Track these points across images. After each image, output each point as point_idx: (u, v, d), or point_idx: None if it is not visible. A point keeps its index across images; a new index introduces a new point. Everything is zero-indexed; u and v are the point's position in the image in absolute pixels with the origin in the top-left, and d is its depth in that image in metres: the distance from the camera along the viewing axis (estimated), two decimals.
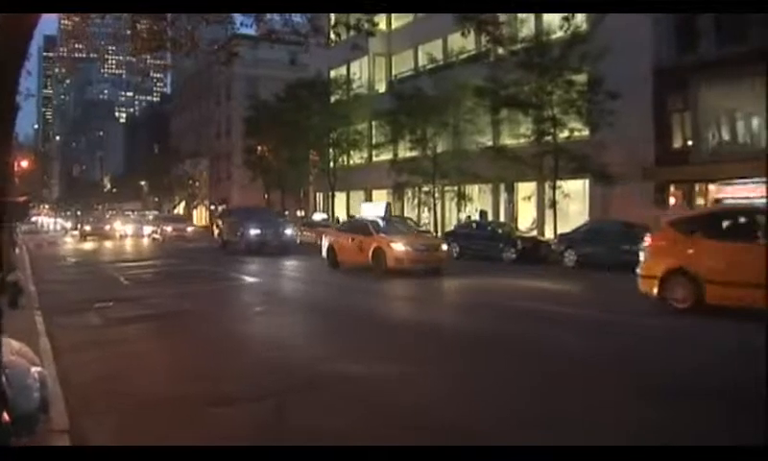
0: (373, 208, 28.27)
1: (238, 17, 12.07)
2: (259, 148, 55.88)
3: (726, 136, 30.09)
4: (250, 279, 21.99)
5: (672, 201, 30.53)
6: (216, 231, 39.59)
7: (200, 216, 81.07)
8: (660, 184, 30.55)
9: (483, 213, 37.39)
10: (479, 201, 39.13)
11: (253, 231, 32.93)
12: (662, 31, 30.18)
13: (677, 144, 30.65)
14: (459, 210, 39.82)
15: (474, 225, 33.37)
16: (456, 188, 38.96)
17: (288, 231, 34.47)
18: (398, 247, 21.92)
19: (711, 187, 29.12)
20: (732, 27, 27.95)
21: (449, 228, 37.28)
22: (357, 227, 25.00)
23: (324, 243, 25.63)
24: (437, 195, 39.30)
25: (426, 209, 40.95)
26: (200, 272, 24.81)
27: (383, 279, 20.83)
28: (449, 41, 40.13)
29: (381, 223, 25.18)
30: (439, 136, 38.59)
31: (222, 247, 36.05)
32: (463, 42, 31.99)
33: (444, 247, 24.29)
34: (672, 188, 30.59)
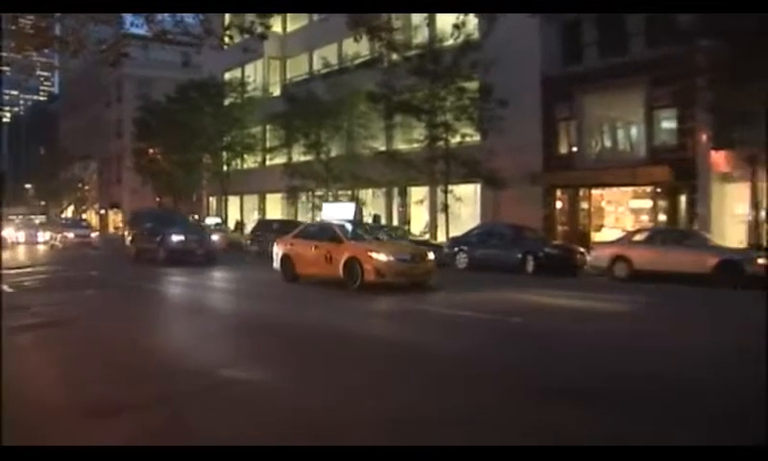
0: (338, 210, 25.00)
1: (128, 17, 11.77)
2: (150, 151, 54.57)
3: (608, 144, 31.37)
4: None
5: (559, 205, 31.65)
6: (128, 239, 33.14)
7: (90, 221, 78.75)
8: (548, 189, 31.57)
9: (376, 217, 37.56)
10: (373, 205, 39.36)
11: (176, 238, 28.21)
12: (550, 41, 31.17)
13: (563, 150, 31.73)
14: None
15: (367, 229, 33.37)
16: (350, 192, 39.10)
17: (214, 238, 30.66)
18: (379, 256, 17.89)
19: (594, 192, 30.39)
20: (614, 39, 29.21)
21: None
22: (322, 232, 20.51)
23: (277, 252, 21.09)
24: (331, 199, 39.32)
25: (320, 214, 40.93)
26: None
27: (355, 295, 17.08)
28: (344, 46, 40.25)
29: (350, 227, 21.03)
30: (333, 141, 38.72)
31: (135, 257, 30.04)
32: (358, 47, 32.33)
33: (432, 256, 19.40)
34: (558, 193, 31.63)
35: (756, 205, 23.76)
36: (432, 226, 35.61)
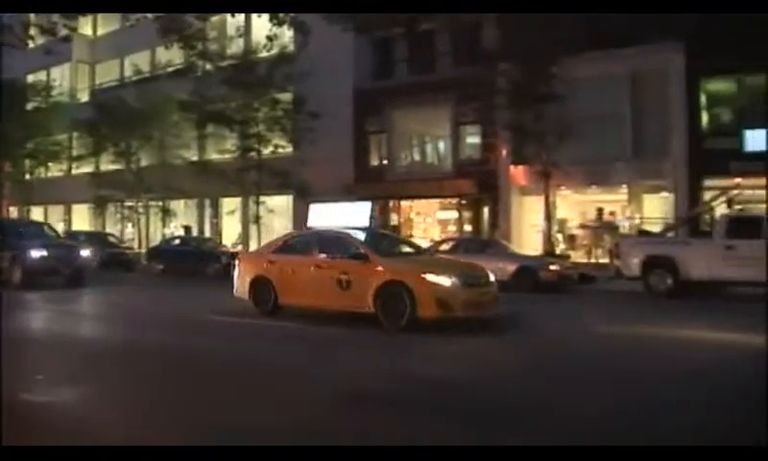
0: (339, 214, 21.74)
1: None
2: None
3: (417, 157, 32.56)
4: None
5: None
6: None
7: None
8: (360, 200, 32.19)
9: (187, 229, 36.90)
10: (184, 216, 38.61)
11: (36, 253, 21.81)
12: (363, 55, 31.94)
13: (374, 163, 32.62)
14: (164, 226, 39.12)
15: (178, 241, 32.84)
16: (161, 203, 38.14)
17: (84, 254, 23.19)
18: (440, 280, 12.22)
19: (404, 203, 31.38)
20: (424, 57, 30.50)
21: (154, 244, 36.45)
22: (328, 245, 14.25)
23: (244, 272, 15.20)
24: (141, 210, 38.25)
25: (130, 225, 39.78)
26: None
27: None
28: (157, 53, 39.29)
29: (376, 238, 16.19)
30: (143, 150, 37.62)
31: None
32: (171, 55, 31.68)
33: (493, 278, 13.60)
34: (370, 204, 32.37)
35: (548, 216, 25.41)
36: (245, 237, 35.36)
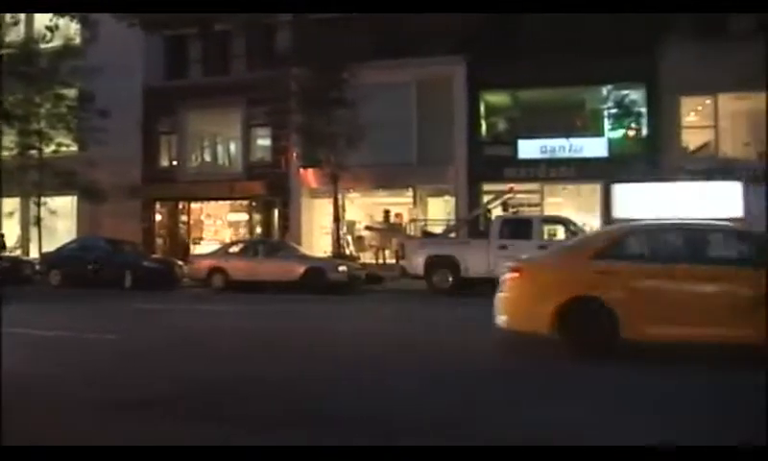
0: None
1: None
2: None
3: (208, 158, 32.25)
4: None
5: (159, 218, 31.63)
6: None
7: None
8: (147, 202, 31.37)
9: None
10: None
11: None
12: (154, 53, 31.16)
13: (164, 164, 31.90)
14: None
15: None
16: None
17: None
18: None
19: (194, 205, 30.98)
20: (217, 58, 30.36)
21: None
22: (702, 245, 9.67)
23: (539, 292, 9.70)
24: None
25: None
26: None
27: None
28: None
29: None
30: None
31: None
32: None
33: None
34: (158, 206, 31.61)
35: (337, 218, 25.98)
36: (24, 240, 33.27)
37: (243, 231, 30.24)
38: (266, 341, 11.48)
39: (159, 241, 31.13)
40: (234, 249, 24.46)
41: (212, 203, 31.20)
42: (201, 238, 31.00)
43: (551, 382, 7.97)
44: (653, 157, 25.30)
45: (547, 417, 6.21)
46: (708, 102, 25.92)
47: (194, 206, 31.39)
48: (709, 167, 23.06)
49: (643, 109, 26.40)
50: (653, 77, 25.41)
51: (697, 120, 26.41)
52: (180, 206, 31.45)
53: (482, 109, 27.86)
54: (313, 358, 9.85)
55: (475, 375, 8.44)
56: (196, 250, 29.49)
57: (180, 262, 25.53)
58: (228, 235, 30.22)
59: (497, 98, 28.41)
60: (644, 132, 26.55)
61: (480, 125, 27.78)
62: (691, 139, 26.34)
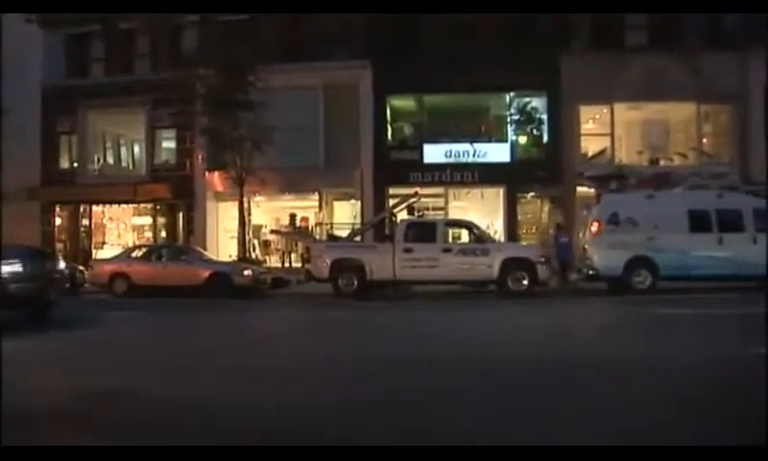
0: None
1: None
2: None
3: (111, 160, 31.56)
4: None
5: (58, 221, 30.77)
6: None
7: None
8: (47, 205, 30.48)
9: None
10: None
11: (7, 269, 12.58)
12: (53, 52, 30.26)
13: (64, 165, 30.99)
14: None
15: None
16: None
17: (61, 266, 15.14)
18: None
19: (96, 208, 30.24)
20: (121, 57, 29.73)
21: None
22: None
23: None
24: None
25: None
26: None
27: None
28: None
29: None
30: None
31: None
32: None
33: None
34: (58, 209, 30.74)
35: (243, 221, 25.80)
36: None
37: (147, 235, 29.69)
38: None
39: (59, 245, 30.21)
40: (137, 253, 23.93)
41: (115, 206, 30.49)
42: (103, 242, 30.27)
43: None
44: (553, 162, 26.15)
45: None
46: (605, 111, 26.98)
47: (96, 209, 30.58)
48: (606, 173, 24.05)
49: (544, 117, 27.11)
50: (554, 86, 26.26)
51: (595, 128, 27.43)
52: (82, 210, 30.57)
53: (388, 113, 28.16)
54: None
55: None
56: (98, 254, 28.77)
57: (81, 267, 24.88)
58: (131, 239, 29.61)
59: (403, 103, 28.73)
60: (545, 138, 27.30)
61: (386, 129, 28.07)
62: (589, 146, 27.34)
